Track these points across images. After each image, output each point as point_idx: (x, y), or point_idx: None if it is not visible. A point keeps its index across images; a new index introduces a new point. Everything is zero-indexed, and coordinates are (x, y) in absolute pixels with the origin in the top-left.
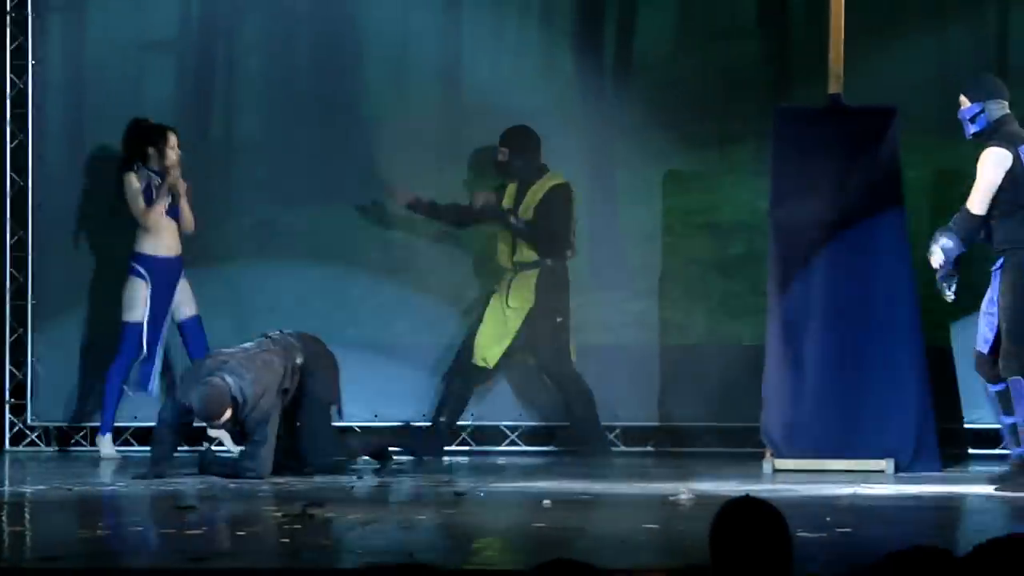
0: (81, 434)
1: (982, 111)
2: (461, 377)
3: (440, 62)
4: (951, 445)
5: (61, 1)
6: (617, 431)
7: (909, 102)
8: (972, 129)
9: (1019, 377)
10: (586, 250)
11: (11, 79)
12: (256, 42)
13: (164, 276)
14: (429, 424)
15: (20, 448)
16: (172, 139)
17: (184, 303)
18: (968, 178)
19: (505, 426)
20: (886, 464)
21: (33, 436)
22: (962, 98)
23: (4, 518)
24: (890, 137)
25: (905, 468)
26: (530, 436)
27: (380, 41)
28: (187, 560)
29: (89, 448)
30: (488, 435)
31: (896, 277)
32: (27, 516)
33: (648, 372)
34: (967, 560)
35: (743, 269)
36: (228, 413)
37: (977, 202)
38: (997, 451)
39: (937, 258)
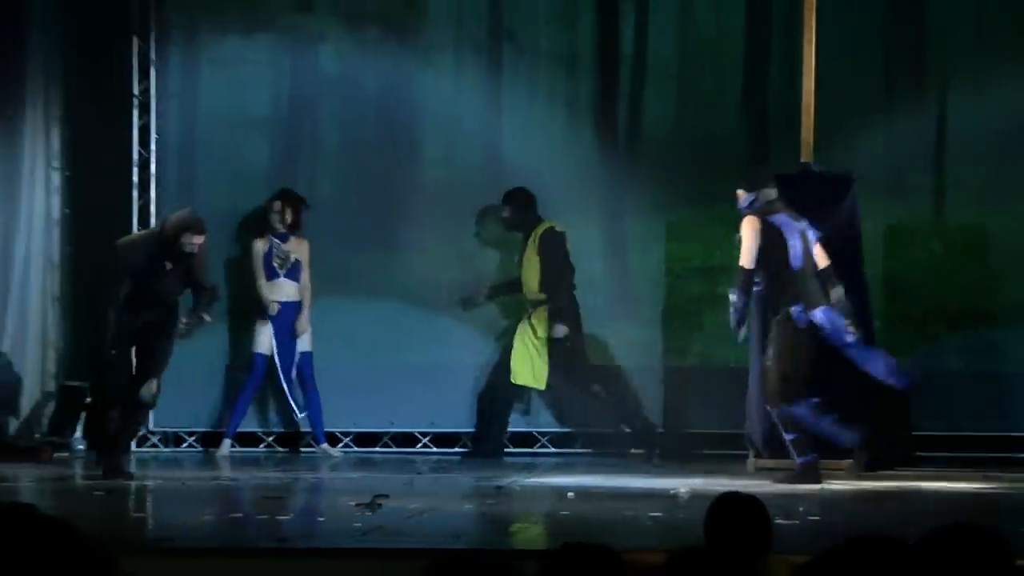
0: (193, 438)
1: (755, 199)
2: (503, 393)
3: (483, 138)
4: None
5: (178, 87)
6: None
7: (867, 168)
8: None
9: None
10: (601, 287)
11: (138, 151)
12: (334, 119)
13: (284, 318)
14: (482, 434)
15: (143, 449)
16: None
17: (301, 339)
18: (918, 231)
19: (538, 432)
20: (847, 463)
21: (155, 439)
22: (739, 191)
23: (130, 506)
24: (850, 196)
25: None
26: (560, 439)
27: (434, 119)
28: (277, 541)
29: (199, 449)
30: (522, 439)
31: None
32: (147, 505)
33: (652, 389)
34: (918, 547)
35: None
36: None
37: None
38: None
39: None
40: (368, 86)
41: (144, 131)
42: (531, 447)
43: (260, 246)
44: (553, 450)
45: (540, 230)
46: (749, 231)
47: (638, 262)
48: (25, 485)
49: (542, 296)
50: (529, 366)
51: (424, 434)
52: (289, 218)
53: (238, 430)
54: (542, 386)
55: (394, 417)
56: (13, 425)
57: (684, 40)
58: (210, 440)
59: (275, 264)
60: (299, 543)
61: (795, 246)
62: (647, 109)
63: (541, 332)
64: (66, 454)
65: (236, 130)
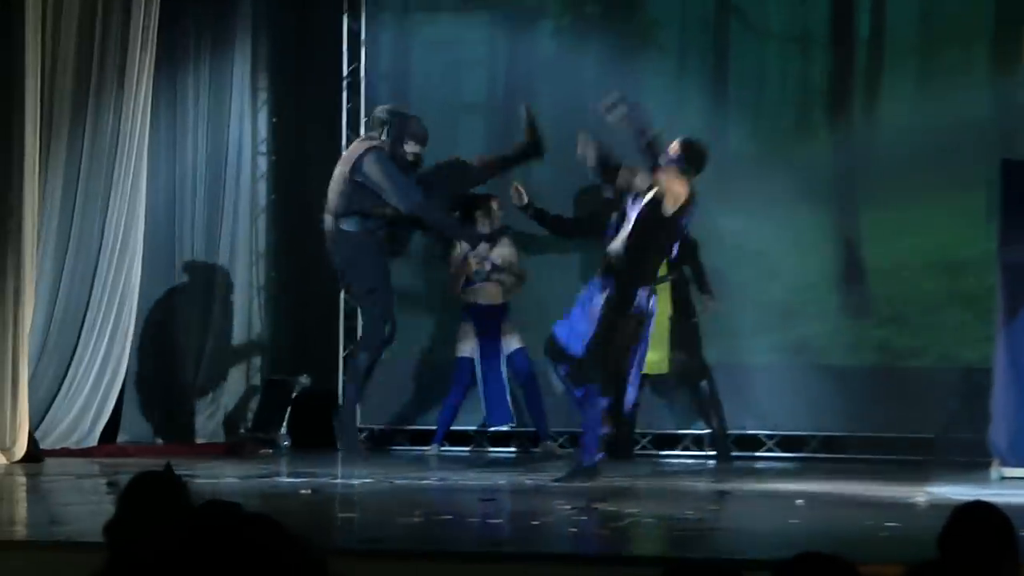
0: (403, 436)
1: None
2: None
3: (706, 121)
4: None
5: (389, 68)
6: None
7: None
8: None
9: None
10: (832, 283)
11: (347, 135)
12: (550, 103)
13: (488, 320)
14: (616, 429)
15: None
16: (495, 205)
17: (509, 339)
18: None
19: (764, 434)
20: None
21: (361, 436)
22: None
23: (336, 506)
24: None
25: None
26: (787, 443)
27: (656, 101)
28: (489, 544)
29: (408, 448)
30: (746, 442)
31: None
32: (355, 505)
33: (887, 391)
34: None
35: (973, 302)
36: None
37: None
38: None
39: None
40: (587, 66)
41: (354, 114)
42: (755, 450)
43: (461, 247)
44: (779, 454)
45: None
46: None
47: (872, 256)
48: (228, 482)
49: (664, 273)
50: (653, 352)
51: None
52: (497, 220)
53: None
54: (666, 371)
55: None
56: (217, 420)
57: (926, 15)
58: (420, 438)
59: (474, 266)
60: (513, 547)
61: None
62: (885, 91)
63: (660, 311)
64: (270, 451)
65: (450, 114)
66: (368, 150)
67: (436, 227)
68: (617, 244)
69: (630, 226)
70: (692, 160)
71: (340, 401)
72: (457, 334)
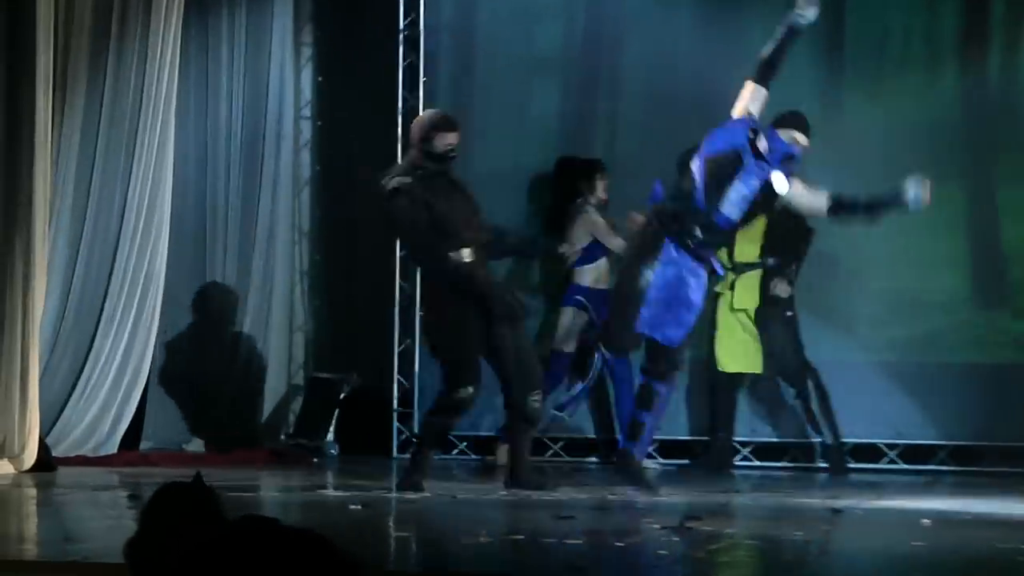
0: (465, 443)
1: None
2: (721, 390)
3: (819, 84)
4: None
5: (450, 19)
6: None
7: None
8: None
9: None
10: (966, 268)
11: (403, 96)
12: (638, 62)
13: (600, 307)
14: (710, 442)
15: (407, 455)
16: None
17: None
18: None
19: (884, 444)
20: None
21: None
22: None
23: (391, 524)
24: None
25: None
26: (911, 453)
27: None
28: (567, 570)
29: (471, 456)
30: (864, 452)
31: None
32: (413, 522)
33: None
34: None
35: None
36: None
37: None
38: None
39: None
40: (680, 16)
41: (411, 72)
42: (875, 462)
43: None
44: (902, 466)
45: None
46: None
47: (1009, 238)
48: (267, 495)
49: (755, 259)
50: (741, 348)
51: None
52: (604, 195)
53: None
54: (759, 370)
55: None
56: (255, 424)
57: None
58: (482, 447)
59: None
60: (594, 573)
61: None
62: None
63: (747, 303)
64: (315, 459)
65: (520, 72)
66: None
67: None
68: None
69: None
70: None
71: (395, 403)
72: (561, 323)
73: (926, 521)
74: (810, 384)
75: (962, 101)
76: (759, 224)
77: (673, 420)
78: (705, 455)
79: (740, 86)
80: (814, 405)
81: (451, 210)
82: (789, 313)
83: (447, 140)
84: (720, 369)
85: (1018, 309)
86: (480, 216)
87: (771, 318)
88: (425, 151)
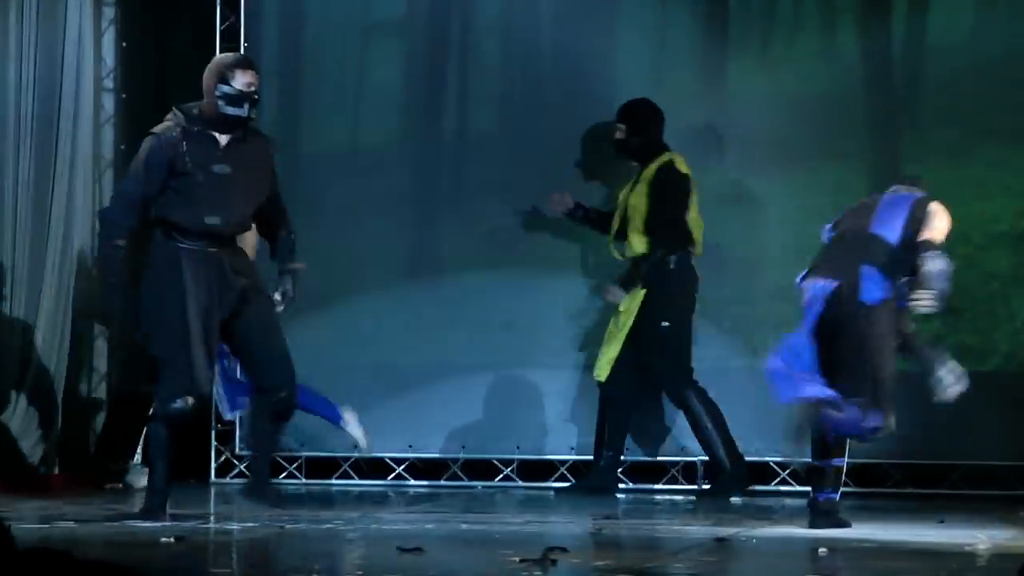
0: (295, 465)
1: None
2: (607, 405)
3: (702, 44)
4: None
5: None
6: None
7: None
8: None
9: None
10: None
11: None
12: (493, 22)
13: None
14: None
15: (227, 480)
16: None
17: None
18: None
19: (775, 463)
20: None
21: (242, 467)
22: None
23: (209, 558)
24: None
25: None
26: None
27: (633, 24)
28: None
29: (303, 481)
30: (752, 473)
31: None
32: (233, 558)
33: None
34: None
35: None
36: None
37: None
38: None
39: None
40: None
41: (230, 36)
42: (765, 483)
43: None
44: (794, 488)
45: (657, 164)
46: None
47: None
48: (64, 527)
49: (639, 250)
50: (606, 354)
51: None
52: None
53: (355, 455)
54: (600, 378)
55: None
56: (49, 445)
57: None
58: (318, 469)
59: None
60: None
61: None
62: (934, 10)
63: (624, 304)
64: (120, 485)
65: (356, 36)
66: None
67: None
68: None
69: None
70: None
71: (215, 421)
72: None
73: (823, 550)
74: (693, 399)
75: (861, 69)
76: None
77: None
78: (586, 476)
79: (610, 53)
80: (696, 419)
81: (210, 182)
82: (665, 324)
83: (245, 79)
84: (595, 376)
85: None
86: (255, 205)
87: (647, 324)
88: (222, 94)
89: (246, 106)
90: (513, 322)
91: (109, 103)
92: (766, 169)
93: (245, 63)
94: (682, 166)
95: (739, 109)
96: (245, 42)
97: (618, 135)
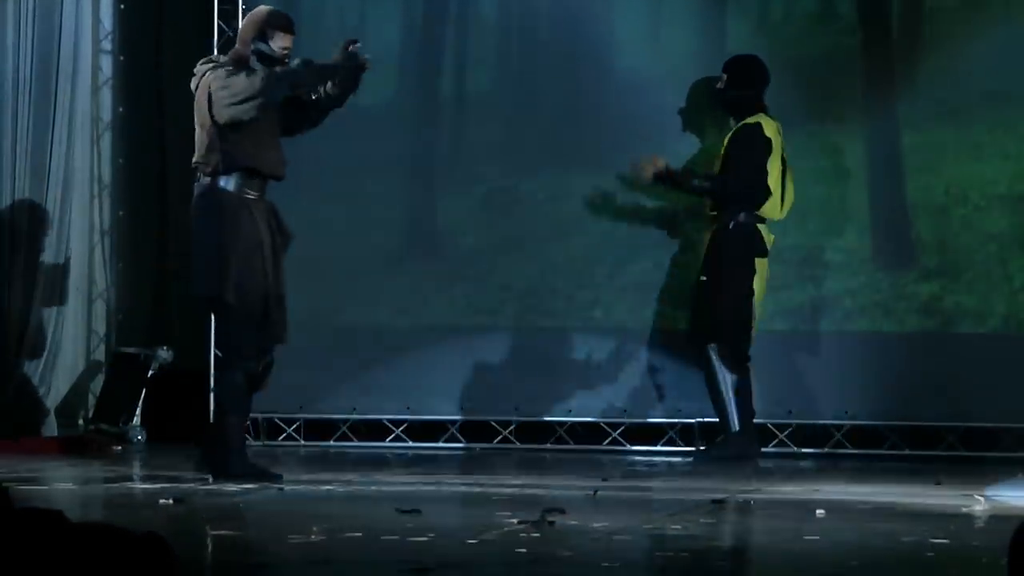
0: (293, 427)
1: None
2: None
3: (701, 5)
4: None
5: None
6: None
7: None
8: None
9: None
10: (863, 224)
11: (219, 25)
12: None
13: None
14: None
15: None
16: None
17: None
18: None
19: (773, 424)
20: None
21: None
22: None
23: (208, 520)
24: None
25: None
26: (803, 435)
27: None
28: (408, 571)
29: (301, 443)
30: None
31: None
32: (233, 518)
33: (936, 365)
34: None
35: None
36: None
37: None
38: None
39: None
40: None
41: None
42: (765, 444)
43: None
44: (794, 449)
45: (742, 123)
46: None
47: (917, 188)
48: (63, 489)
49: (710, 212)
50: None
51: (614, 425)
52: None
53: (353, 417)
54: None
55: (572, 403)
56: (48, 407)
57: None
58: (316, 431)
59: None
60: (440, 574)
61: None
62: None
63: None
64: (119, 448)
65: (354, 0)
66: (208, 73)
67: (316, 80)
68: None
69: None
70: None
71: (211, 381)
72: None
73: (821, 512)
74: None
75: (860, 31)
76: None
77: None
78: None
79: (608, 14)
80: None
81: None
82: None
83: (284, 42)
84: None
85: (925, 269)
86: (279, 152)
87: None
88: (256, 50)
89: (276, 68)
90: (511, 284)
91: (107, 65)
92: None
93: (287, 25)
94: (768, 128)
95: None
96: (243, 4)
97: (719, 85)
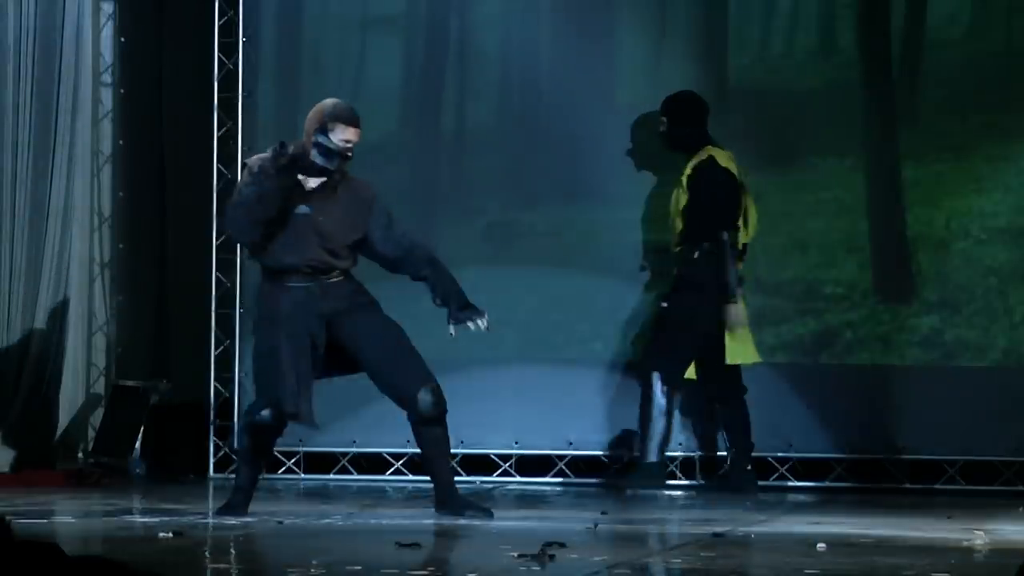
0: (293, 460)
1: None
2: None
3: (702, 40)
4: None
5: None
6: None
7: None
8: None
9: None
10: (864, 257)
11: (219, 58)
12: (492, 17)
13: None
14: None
15: (227, 475)
16: None
17: None
18: None
19: (774, 458)
20: None
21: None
22: None
23: (207, 553)
24: None
25: None
26: (804, 468)
27: (633, 20)
28: None
29: (301, 477)
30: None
31: None
32: (232, 552)
33: (937, 398)
34: None
35: None
36: None
37: None
38: None
39: None
40: None
41: (228, 31)
42: (766, 478)
43: None
44: (793, 483)
45: (694, 161)
46: None
47: (917, 220)
48: (62, 522)
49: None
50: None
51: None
52: None
53: (353, 450)
54: (757, 358)
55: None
56: (47, 439)
57: None
58: (316, 464)
59: None
60: None
61: None
62: (934, 4)
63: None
64: (118, 480)
65: (355, 32)
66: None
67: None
68: None
69: None
70: None
71: (212, 414)
72: None
73: (822, 545)
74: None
75: (861, 61)
76: None
77: None
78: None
79: (608, 48)
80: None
81: (292, 222)
82: (663, 304)
83: (345, 135)
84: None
85: (926, 303)
86: (337, 247)
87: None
88: (315, 142)
89: (336, 161)
90: (511, 318)
91: (107, 98)
92: (765, 164)
93: (350, 119)
94: (721, 158)
95: (738, 104)
96: (243, 37)
97: (661, 128)
